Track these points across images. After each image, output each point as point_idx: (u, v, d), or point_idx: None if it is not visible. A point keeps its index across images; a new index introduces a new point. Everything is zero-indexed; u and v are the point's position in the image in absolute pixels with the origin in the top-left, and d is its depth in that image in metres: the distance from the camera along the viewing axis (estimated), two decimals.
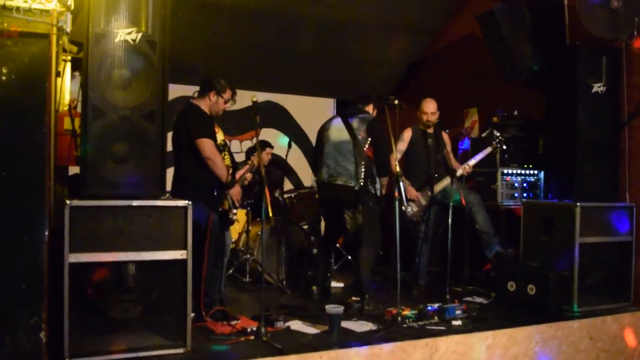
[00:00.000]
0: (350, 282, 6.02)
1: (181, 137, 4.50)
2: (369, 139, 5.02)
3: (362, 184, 4.97)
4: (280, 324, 4.25)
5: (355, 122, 5.09)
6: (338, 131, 5.15)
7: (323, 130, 5.31)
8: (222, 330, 4.11)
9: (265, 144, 6.94)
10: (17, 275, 3.17)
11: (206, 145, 4.36)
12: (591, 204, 5.03)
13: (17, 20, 3.10)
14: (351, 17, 7.11)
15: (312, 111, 8.59)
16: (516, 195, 6.04)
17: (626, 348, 4.87)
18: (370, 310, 4.79)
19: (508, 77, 5.89)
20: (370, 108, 5.24)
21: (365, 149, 5.01)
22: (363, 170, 4.97)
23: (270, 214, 4.19)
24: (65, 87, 4.27)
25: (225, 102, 4.63)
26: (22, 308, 3.16)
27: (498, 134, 5.73)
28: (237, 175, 4.94)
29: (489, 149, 5.63)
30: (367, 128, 5.02)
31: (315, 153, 5.42)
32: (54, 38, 3.32)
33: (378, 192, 5.07)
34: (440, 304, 4.60)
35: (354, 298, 4.96)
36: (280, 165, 7.30)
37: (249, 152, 7.06)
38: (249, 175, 5.14)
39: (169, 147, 4.04)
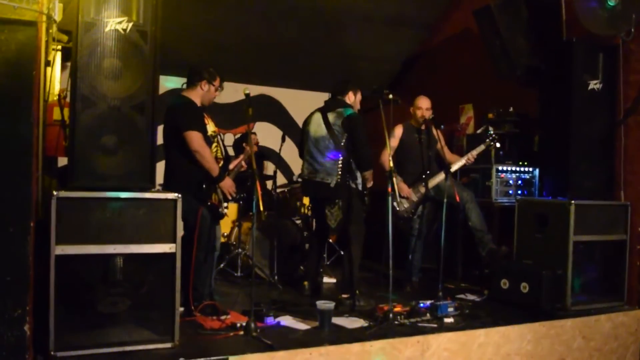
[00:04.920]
0: (339, 279, 5.99)
1: (170, 129, 4.45)
2: (346, 134, 4.96)
3: (338, 180, 4.94)
4: (270, 320, 4.21)
5: (332, 117, 5.03)
6: (316, 127, 5.12)
7: (304, 126, 5.29)
8: (211, 325, 4.07)
9: None
10: (1, 267, 3.10)
11: (194, 138, 4.30)
12: (586, 202, 5.00)
13: (3, 6, 3.03)
14: (346, 11, 7.06)
15: (307, 105, 8.50)
16: (511, 192, 6.00)
17: (619, 347, 4.84)
18: (362, 306, 4.76)
19: (504, 73, 5.86)
20: (350, 97, 5.15)
21: (342, 144, 4.96)
22: (340, 166, 4.94)
23: (262, 209, 4.15)
24: (55, 77, 4.21)
25: (216, 90, 4.58)
26: (6, 300, 3.10)
27: (492, 132, 5.70)
28: (232, 165, 4.89)
29: (482, 147, 5.61)
30: (343, 123, 4.96)
31: (300, 148, 5.40)
32: (42, 26, 3.26)
33: (360, 187, 5.03)
34: (432, 301, 4.57)
35: (343, 296, 4.92)
36: (272, 159, 7.26)
37: (237, 143, 7.04)
38: (244, 164, 5.06)
39: (160, 140, 3.99)
